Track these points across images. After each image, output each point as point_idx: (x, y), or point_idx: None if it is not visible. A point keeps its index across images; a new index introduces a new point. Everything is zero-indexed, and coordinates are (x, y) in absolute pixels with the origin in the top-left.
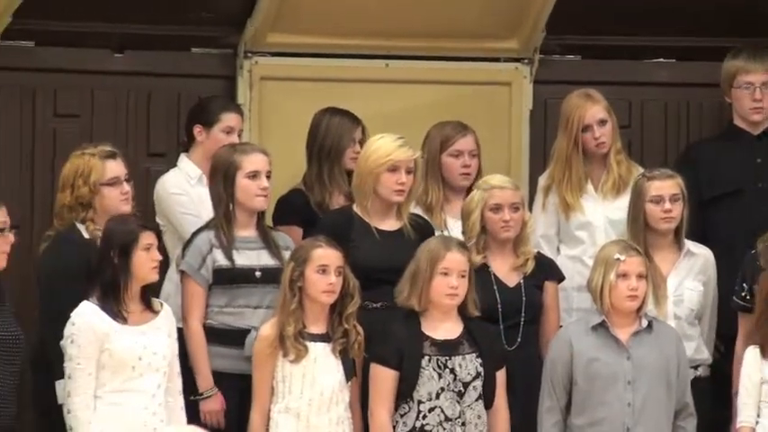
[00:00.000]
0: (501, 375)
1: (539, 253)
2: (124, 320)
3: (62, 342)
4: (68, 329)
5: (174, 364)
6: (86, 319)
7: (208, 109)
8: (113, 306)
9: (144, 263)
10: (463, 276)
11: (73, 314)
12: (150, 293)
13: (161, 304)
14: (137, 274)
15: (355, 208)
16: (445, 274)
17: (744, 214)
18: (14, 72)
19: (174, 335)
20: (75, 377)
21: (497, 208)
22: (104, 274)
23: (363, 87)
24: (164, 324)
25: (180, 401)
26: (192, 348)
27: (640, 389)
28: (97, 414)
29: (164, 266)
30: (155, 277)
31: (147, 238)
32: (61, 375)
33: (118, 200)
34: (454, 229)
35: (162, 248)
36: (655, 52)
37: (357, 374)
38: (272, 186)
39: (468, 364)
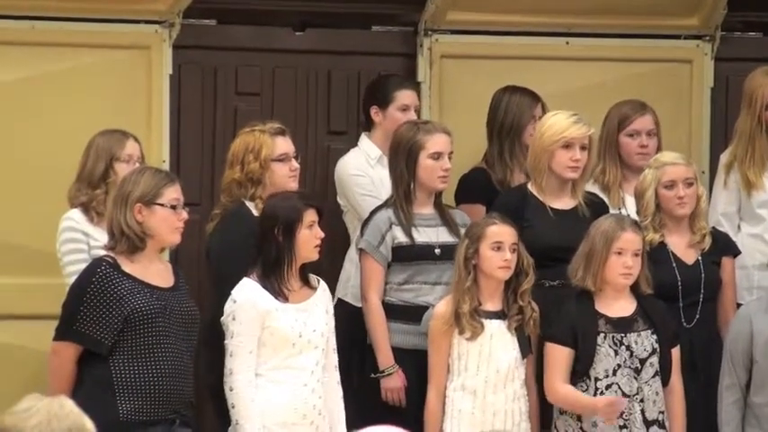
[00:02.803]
0: (675, 352)
1: (714, 228)
2: (285, 299)
3: (223, 319)
4: (229, 306)
5: (332, 341)
6: (248, 296)
7: (382, 89)
8: (275, 284)
9: (308, 240)
10: (637, 255)
11: (234, 291)
12: (308, 270)
13: (318, 280)
14: (300, 251)
15: (530, 186)
16: (620, 253)
17: None
18: (197, 50)
19: (331, 311)
20: (236, 354)
21: (671, 184)
22: (267, 252)
23: (543, 65)
24: (321, 300)
25: (336, 376)
26: (371, 325)
27: None
28: (259, 391)
29: (344, 246)
30: (316, 255)
31: (311, 215)
32: None
33: (287, 176)
34: (632, 207)
35: (343, 228)
36: None
37: (532, 351)
38: (453, 166)
39: (644, 341)
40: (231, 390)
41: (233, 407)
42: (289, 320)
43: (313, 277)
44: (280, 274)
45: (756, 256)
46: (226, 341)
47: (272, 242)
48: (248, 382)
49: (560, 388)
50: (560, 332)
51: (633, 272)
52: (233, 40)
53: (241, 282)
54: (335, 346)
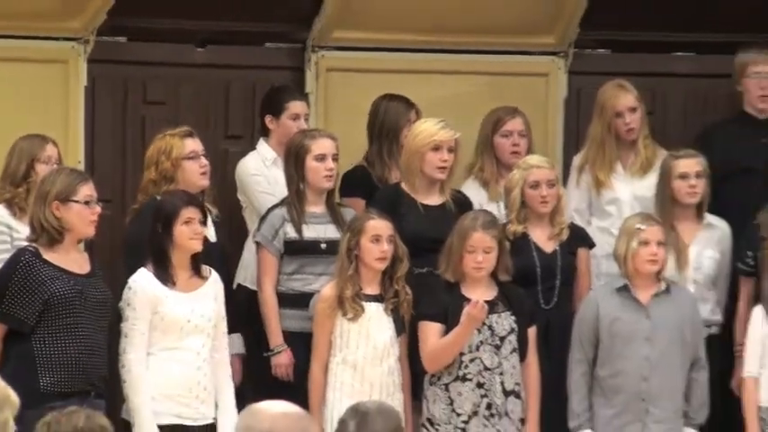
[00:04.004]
0: (532, 332)
1: (572, 223)
2: (174, 285)
3: (120, 304)
4: (125, 293)
5: (221, 325)
6: (141, 284)
7: (275, 100)
8: (163, 273)
9: (184, 234)
10: (487, 252)
11: (130, 280)
12: (199, 261)
13: (210, 271)
14: (178, 244)
15: (403, 185)
16: (472, 251)
17: (752, 190)
18: (109, 64)
19: (221, 299)
20: (130, 336)
21: (536, 185)
22: (153, 244)
23: (417, 78)
24: (211, 289)
25: (225, 356)
26: (264, 311)
27: (657, 345)
28: (149, 369)
29: (243, 238)
30: (196, 247)
31: (188, 212)
32: None
33: (198, 173)
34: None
35: (242, 222)
36: (676, 46)
37: (406, 331)
38: (338, 167)
39: (504, 321)
40: (123, 367)
41: (124, 382)
42: (177, 307)
43: (205, 268)
44: (166, 264)
45: (605, 247)
46: (122, 324)
47: (156, 235)
48: (139, 361)
49: (432, 345)
50: (433, 311)
51: (484, 266)
52: (141, 55)
53: (138, 271)
54: (226, 330)
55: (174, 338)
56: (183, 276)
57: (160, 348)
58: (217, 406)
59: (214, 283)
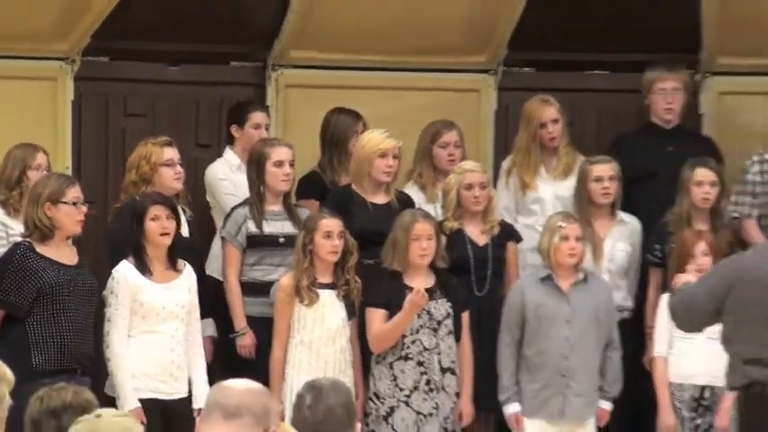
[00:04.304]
0: (465, 316)
1: (502, 220)
2: (152, 276)
3: (104, 292)
4: (109, 282)
5: (194, 312)
6: (123, 274)
7: (239, 112)
8: (142, 265)
9: (153, 230)
10: (430, 239)
11: (113, 271)
12: (175, 255)
13: (184, 264)
14: (150, 239)
15: (354, 186)
16: (416, 239)
17: (658, 191)
18: (93, 81)
19: (194, 289)
20: (113, 320)
21: (469, 187)
22: (131, 240)
23: (365, 93)
24: (185, 281)
25: (198, 339)
26: (229, 298)
27: (576, 327)
28: (130, 349)
29: (212, 234)
30: (164, 242)
31: (155, 210)
32: None
33: (172, 178)
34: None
35: (210, 220)
36: (592, 65)
37: (356, 315)
38: (294, 172)
39: (441, 307)
40: (107, 347)
41: (108, 360)
42: (155, 295)
43: (181, 262)
44: (142, 257)
45: (530, 242)
46: (105, 309)
47: (132, 232)
48: (121, 342)
49: (377, 329)
50: (377, 299)
51: (428, 252)
52: (122, 73)
53: (120, 263)
54: (199, 316)
55: (151, 323)
56: (160, 268)
57: (139, 332)
58: (191, 382)
59: (188, 275)
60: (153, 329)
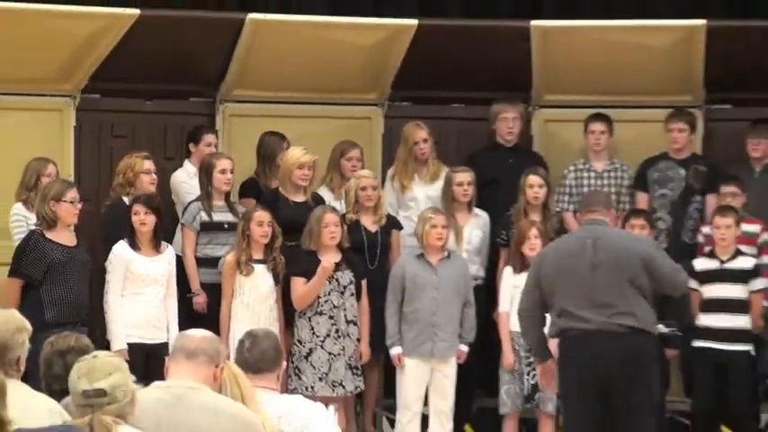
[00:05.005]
0: (363, 283)
1: (389, 214)
2: (140, 251)
3: (105, 263)
4: (110, 257)
5: (171, 280)
6: (119, 251)
7: (195, 134)
8: (132, 243)
9: (134, 222)
10: (336, 226)
11: (113, 248)
12: (159, 238)
13: (167, 246)
14: (135, 227)
15: (280, 189)
16: (326, 226)
17: (501, 193)
18: (89, 112)
19: (173, 263)
20: (111, 284)
21: (364, 188)
22: (127, 227)
23: (290, 120)
24: (165, 257)
25: (174, 302)
26: (188, 269)
27: (442, 291)
28: (122, 306)
29: (176, 223)
30: (142, 230)
31: (135, 208)
32: None
33: (149, 182)
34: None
35: (175, 213)
36: (454, 100)
37: (280, 283)
38: (234, 178)
39: (345, 276)
40: (106, 303)
41: (106, 313)
42: (142, 266)
43: (163, 243)
44: (133, 239)
45: (408, 229)
46: (106, 275)
47: (128, 220)
48: (116, 302)
49: (299, 292)
50: (298, 270)
51: (336, 235)
52: (110, 106)
53: (118, 243)
54: (175, 283)
55: (139, 286)
56: (147, 247)
57: (130, 293)
58: (168, 331)
59: (168, 253)
60: (140, 291)
